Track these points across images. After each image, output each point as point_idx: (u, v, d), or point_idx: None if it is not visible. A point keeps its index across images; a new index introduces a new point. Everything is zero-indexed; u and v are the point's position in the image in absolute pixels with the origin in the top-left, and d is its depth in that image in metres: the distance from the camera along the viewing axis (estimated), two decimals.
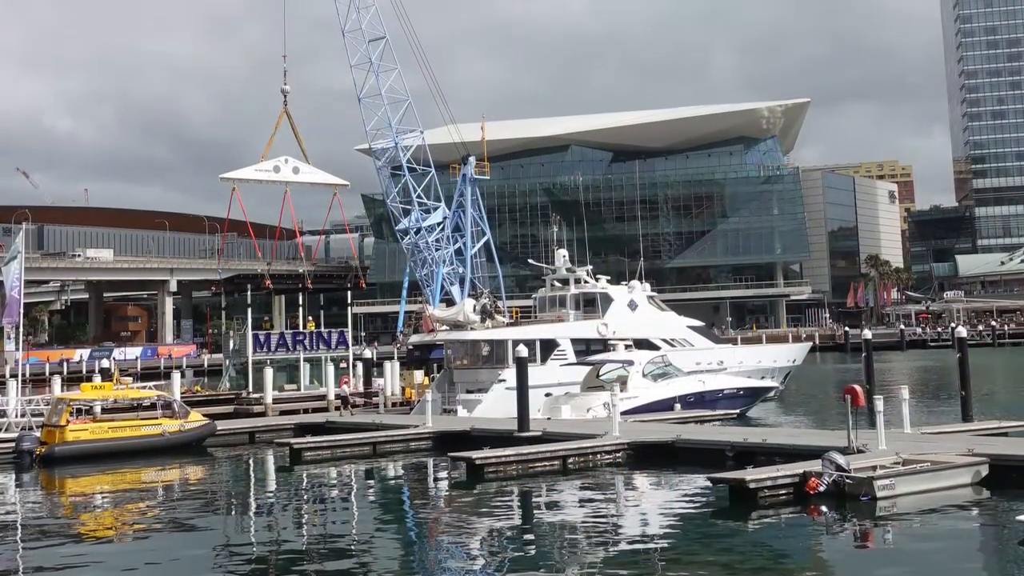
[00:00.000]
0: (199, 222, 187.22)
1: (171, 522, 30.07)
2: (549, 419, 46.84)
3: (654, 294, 66.10)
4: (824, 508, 27.02)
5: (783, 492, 28.12)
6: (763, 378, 62.34)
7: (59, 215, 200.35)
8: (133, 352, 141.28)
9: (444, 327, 60.57)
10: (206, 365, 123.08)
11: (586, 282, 62.54)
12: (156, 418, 47.50)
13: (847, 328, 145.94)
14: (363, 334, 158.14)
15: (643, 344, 58.72)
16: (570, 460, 36.80)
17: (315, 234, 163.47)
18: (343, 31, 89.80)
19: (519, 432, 40.51)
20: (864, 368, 59.94)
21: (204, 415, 49.57)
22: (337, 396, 56.59)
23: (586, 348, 57.26)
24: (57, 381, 64.98)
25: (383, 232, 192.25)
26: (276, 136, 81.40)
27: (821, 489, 27.65)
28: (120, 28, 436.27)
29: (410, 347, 75.71)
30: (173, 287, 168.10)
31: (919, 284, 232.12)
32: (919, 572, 21.50)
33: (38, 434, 44.38)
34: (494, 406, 50.92)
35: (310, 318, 72.51)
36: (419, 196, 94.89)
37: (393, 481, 39.15)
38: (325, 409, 56.78)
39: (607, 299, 61.20)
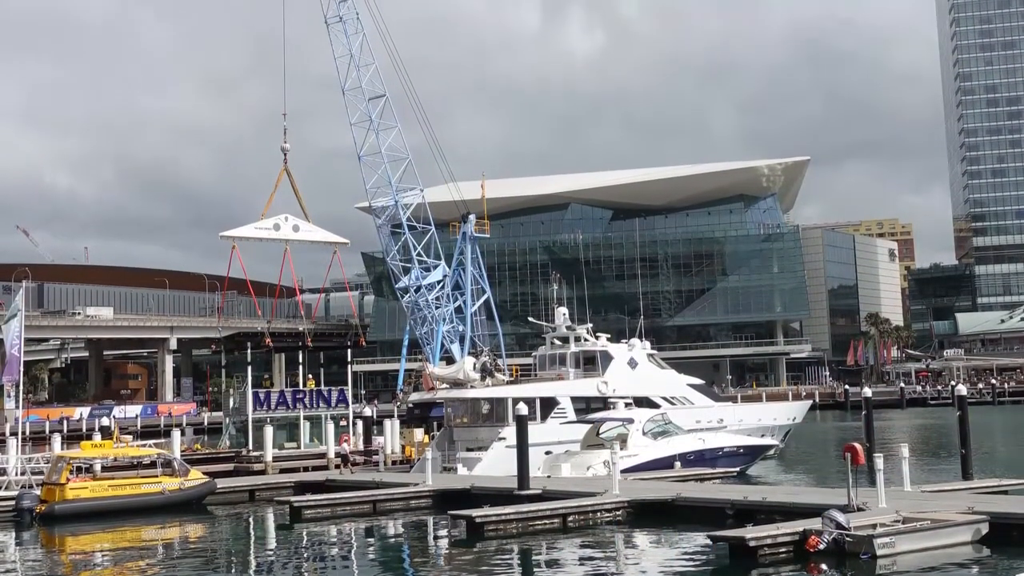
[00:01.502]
0: (199, 280, 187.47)
1: None
2: (549, 477, 46.80)
3: (654, 352, 66.24)
4: (824, 566, 26.98)
5: (783, 550, 28.09)
6: (763, 436, 62.24)
7: (59, 273, 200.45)
8: (133, 410, 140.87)
9: (444, 385, 60.62)
10: (206, 423, 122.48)
11: (586, 340, 62.69)
12: (156, 476, 47.56)
13: (847, 386, 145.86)
14: (363, 392, 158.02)
15: (643, 402, 58.65)
16: (570, 518, 36.76)
17: (315, 292, 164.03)
18: (343, 89, 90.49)
19: (519, 490, 40.45)
20: (864, 426, 59.71)
21: (204, 473, 49.59)
22: (337, 454, 56.55)
23: (586, 406, 57.28)
24: (57, 439, 64.73)
25: (383, 290, 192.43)
26: (276, 194, 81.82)
27: (821, 547, 27.63)
28: (119, 86, 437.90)
29: (410, 405, 75.67)
30: (173, 345, 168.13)
31: (919, 342, 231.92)
32: None
33: (38, 492, 44.49)
34: (494, 464, 50.86)
35: (310, 376, 72.52)
36: (419, 254, 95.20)
37: (393, 539, 39.08)
38: (325, 467, 56.71)
39: (607, 357, 61.28)
